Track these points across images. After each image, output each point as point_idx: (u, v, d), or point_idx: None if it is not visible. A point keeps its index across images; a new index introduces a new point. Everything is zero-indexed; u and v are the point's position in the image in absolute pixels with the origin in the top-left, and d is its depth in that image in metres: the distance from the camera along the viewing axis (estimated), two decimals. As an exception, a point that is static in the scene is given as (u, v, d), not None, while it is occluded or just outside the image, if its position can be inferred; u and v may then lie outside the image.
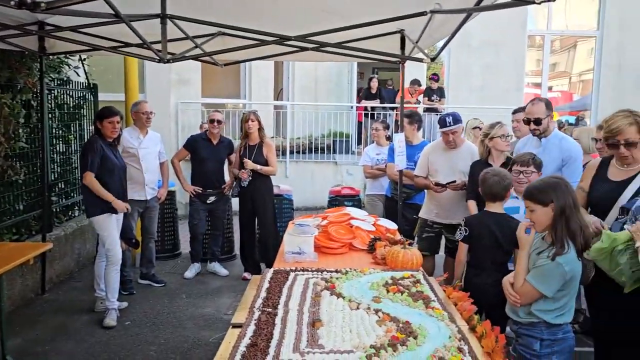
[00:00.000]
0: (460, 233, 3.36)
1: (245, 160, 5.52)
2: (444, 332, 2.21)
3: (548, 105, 3.87)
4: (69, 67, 6.26)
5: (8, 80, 5.07)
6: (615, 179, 3.01)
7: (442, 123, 4.52)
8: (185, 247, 6.50)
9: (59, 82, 6.04)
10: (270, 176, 5.73)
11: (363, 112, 10.99)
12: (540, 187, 2.63)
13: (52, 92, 5.89)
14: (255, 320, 2.34)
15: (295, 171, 10.08)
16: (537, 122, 3.82)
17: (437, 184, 4.52)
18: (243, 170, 5.54)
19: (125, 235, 4.82)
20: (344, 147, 10.88)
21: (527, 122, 3.88)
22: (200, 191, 5.72)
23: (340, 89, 12.17)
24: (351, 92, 12.03)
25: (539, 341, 2.56)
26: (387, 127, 6.25)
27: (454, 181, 4.44)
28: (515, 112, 4.91)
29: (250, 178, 5.53)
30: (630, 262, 2.59)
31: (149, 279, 5.58)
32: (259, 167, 5.54)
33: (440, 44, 4.33)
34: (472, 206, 4.19)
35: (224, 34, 4.32)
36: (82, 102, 6.48)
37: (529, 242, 2.63)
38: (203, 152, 5.73)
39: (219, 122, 5.67)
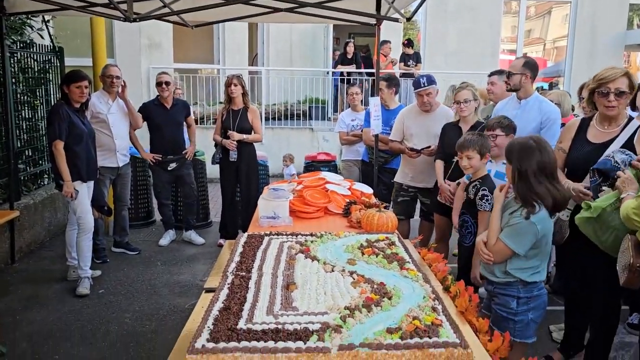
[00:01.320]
0: (488, 202, 3.19)
1: (230, 132, 5.37)
2: (418, 292, 2.21)
3: (528, 64, 3.84)
4: (32, 29, 5.97)
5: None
6: (595, 141, 3.01)
7: (417, 84, 4.48)
8: (160, 215, 6.41)
9: (21, 45, 5.77)
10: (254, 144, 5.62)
11: (339, 77, 10.88)
12: (508, 146, 2.69)
13: (15, 55, 5.63)
14: (228, 284, 2.31)
15: (271, 138, 9.98)
16: (509, 75, 3.88)
17: (411, 149, 4.51)
18: (230, 140, 5.39)
19: (97, 203, 4.73)
20: (320, 113, 10.78)
21: (508, 75, 3.93)
22: (160, 158, 5.57)
23: (316, 54, 11.99)
24: (327, 58, 11.86)
25: (516, 299, 2.60)
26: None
27: (429, 146, 4.43)
28: (490, 74, 4.90)
29: (236, 149, 5.41)
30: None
31: (123, 247, 5.51)
32: (245, 136, 5.41)
33: (415, 5, 4.24)
34: (439, 166, 4.21)
35: (193, -7, 4.16)
36: (47, 66, 6.22)
37: (501, 198, 2.67)
38: (158, 119, 5.52)
39: (167, 83, 5.43)
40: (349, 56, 10.91)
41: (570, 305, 3.38)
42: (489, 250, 2.62)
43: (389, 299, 2.11)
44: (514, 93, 3.94)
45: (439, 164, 4.21)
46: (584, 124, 3.11)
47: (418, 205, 4.91)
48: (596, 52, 11.58)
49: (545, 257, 2.63)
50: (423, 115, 4.59)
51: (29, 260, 5.27)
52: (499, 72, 4.82)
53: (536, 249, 2.56)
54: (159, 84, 5.46)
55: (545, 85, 11.79)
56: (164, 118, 5.52)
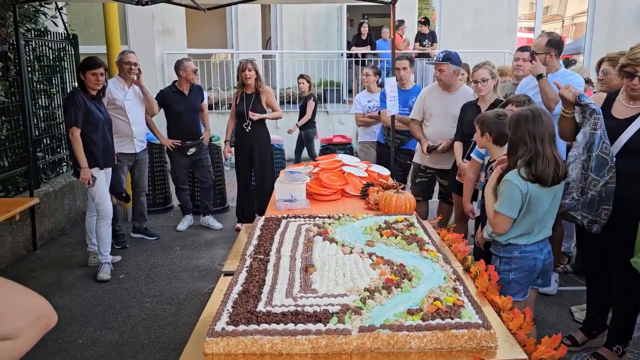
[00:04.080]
0: None
1: (252, 114, 5.40)
2: (438, 273, 2.18)
3: (552, 42, 3.75)
4: (46, 17, 5.98)
5: (-20, 31, 4.85)
6: (619, 116, 2.93)
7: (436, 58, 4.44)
8: (177, 200, 6.45)
9: (36, 33, 5.79)
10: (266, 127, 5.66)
11: (354, 59, 10.75)
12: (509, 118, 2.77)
13: (30, 43, 5.64)
14: (247, 267, 2.30)
15: (286, 122, 9.92)
16: (533, 55, 3.79)
17: (428, 147, 4.47)
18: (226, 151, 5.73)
19: (115, 189, 4.75)
20: (335, 96, 10.70)
21: (532, 55, 3.85)
22: (180, 144, 5.61)
23: (330, 37, 11.86)
24: (341, 40, 11.73)
25: (498, 259, 2.73)
26: (378, 73, 6.10)
27: (441, 144, 4.39)
28: (522, 49, 4.79)
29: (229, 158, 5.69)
30: None
31: (142, 233, 5.55)
32: (265, 115, 5.46)
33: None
34: (458, 147, 4.14)
35: (205, -25, 4.12)
36: (62, 54, 6.24)
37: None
38: (177, 105, 5.55)
39: (195, 70, 5.60)
40: (363, 37, 10.77)
41: (592, 285, 3.33)
42: (491, 224, 2.69)
43: (409, 280, 2.09)
44: None
45: (458, 145, 4.15)
46: (610, 99, 3.03)
47: (436, 188, 4.85)
48: (617, 27, 11.27)
49: (525, 222, 2.62)
50: (444, 95, 4.52)
51: (50, 247, 5.34)
52: (526, 49, 4.71)
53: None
54: (194, 71, 5.56)
55: (561, 63, 11.55)
56: (183, 105, 5.56)
